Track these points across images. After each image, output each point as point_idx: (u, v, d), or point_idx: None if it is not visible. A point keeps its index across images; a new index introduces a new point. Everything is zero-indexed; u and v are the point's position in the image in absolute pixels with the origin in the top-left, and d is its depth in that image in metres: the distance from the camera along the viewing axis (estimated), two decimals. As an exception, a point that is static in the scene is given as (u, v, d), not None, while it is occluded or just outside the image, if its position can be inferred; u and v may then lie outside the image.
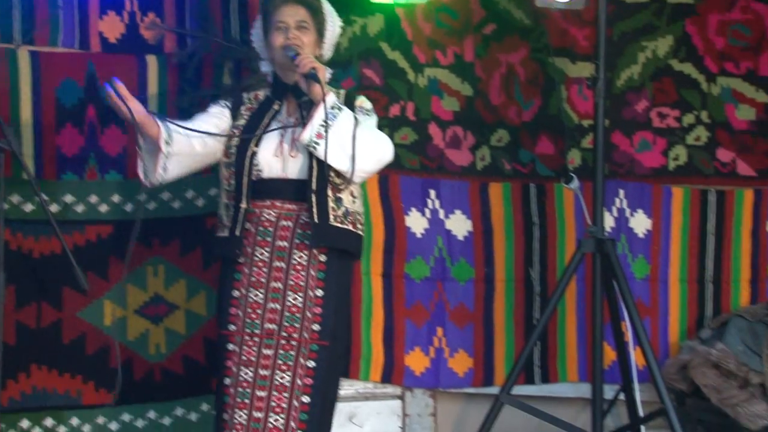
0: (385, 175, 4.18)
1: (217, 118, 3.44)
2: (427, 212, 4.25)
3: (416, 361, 4.19)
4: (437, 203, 4.26)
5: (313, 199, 3.33)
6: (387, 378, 4.17)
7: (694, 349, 4.25)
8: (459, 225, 4.27)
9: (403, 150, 4.22)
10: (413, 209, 4.23)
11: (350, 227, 3.39)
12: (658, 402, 3.90)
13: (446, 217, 4.27)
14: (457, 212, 4.28)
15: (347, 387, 4.11)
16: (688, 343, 4.34)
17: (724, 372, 4.14)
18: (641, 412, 4.14)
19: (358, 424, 4.13)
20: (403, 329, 4.19)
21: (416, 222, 4.23)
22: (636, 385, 4.13)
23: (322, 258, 3.35)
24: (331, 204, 3.34)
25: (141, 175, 3.37)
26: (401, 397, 4.19)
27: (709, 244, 4.49)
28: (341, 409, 4.06)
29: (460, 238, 4.28)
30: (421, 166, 4.25)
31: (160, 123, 3.30)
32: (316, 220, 3.32)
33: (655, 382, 3.87)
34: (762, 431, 4.07)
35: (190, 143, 3.35)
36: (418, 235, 4.23)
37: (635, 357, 4.14)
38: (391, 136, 4.15)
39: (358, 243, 3.44)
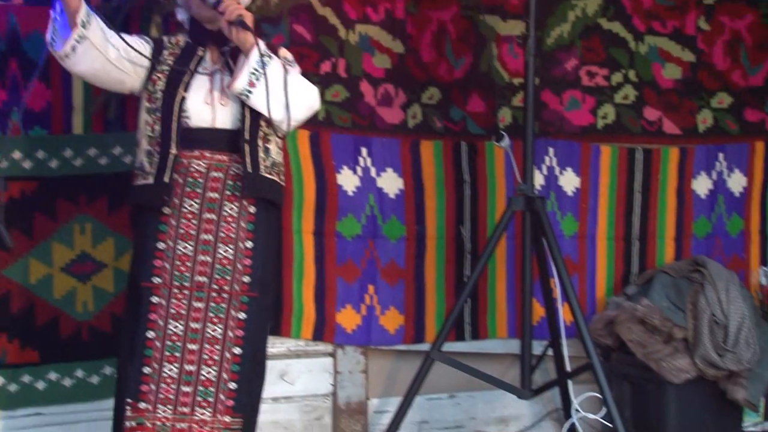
0: (316, 132, 4.06)
1: (136, 44, 3.26)
2: (359, 170, 4.12)
3: (348, 318, 4.09)
4: (369, 161, 4.14)
5: (247, 148, 3.19)
6: (318, 336, 4.07)
7: (621, 305, 4.21)
8: (390, 183, 4.17)
9: (335, 107, 4.09)
10: (345, 167, 4.11)
11: (276, 178, 3.29)
12: (585, 357, 3.88)
13: (378, 175, 4.16)
14: (389, 170, 4.17)
15: (278, 345, 4.02)
16: (615, 299, 4.30)
17: (649, 327, 4.12)
18: (568, 367, 4.13)
19: (289, 381, 4.02)
20: (334, 287, 4.08)
21: (348, 180, 4.11)
22: (564, 341, 4.11)
23: (252, 209, 3.24)
24: (261, 154, 3.23)
25: (48, 41, 3.14)
26: (333, 355, 4.09)
27: (636, 201, 4.46)
28: (273, 367, 3.99)
29: (392, 196, 4.17)
30: (352, 123, 4.12)
31: (84, 4, 3.10)
32: (249, 169, 3.20)
33: (582, 338, 3.85)
34: (684, 384, 4.04)
35: (106, 42, 3.16)
36: (350, 193, 4.11)
37: (563, 313, 4.13)
38: (323, 94, 4.06)
39: (283, 194, 3.35)
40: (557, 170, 4.38)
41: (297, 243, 4.04)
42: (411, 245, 4.19)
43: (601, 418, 4.13)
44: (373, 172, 4.16)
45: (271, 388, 3.97)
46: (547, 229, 3.90)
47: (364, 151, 4.14)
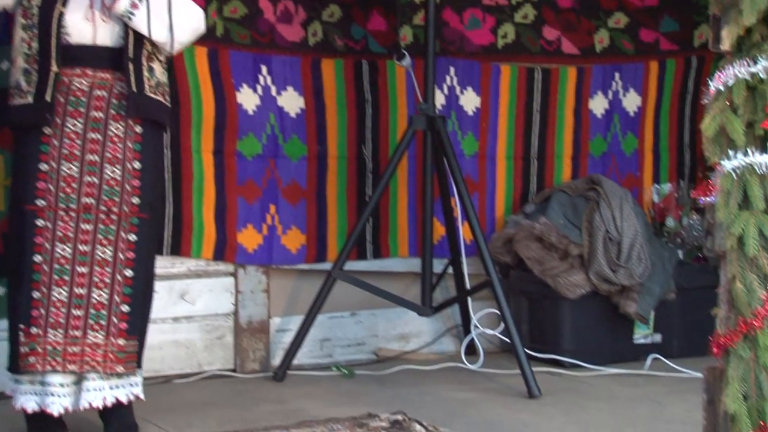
0: (214, 50, 3.85)
1: None
2: (259, 88, 3.94)
3: (249, 238, 3.94)
4: (269, 79, 3.95)
5: (131, 67, 3.02)
6: (219, 255, 3.91)
7: (519, 224, 4.16)
8: (291, 102, 4.00)
9: (233, 24, 3.88)
10: (244, 85, 3.91)
11: (161, 98, 3.12)
12: (485, 275, 3.84)
13: (278, 93, 3.97)
14: (290, 89, 3.99)
15: (178, 264, 3.87)
16: (513, 218, 4.24)
17: (546, 245, 4.08)
18: (468, 285, 4.10)
19: (189, 301, 3.88)
20: (235, 207, 3.92)
21: (248, 98, 3.92)
22: (464, 259, 4.09)
23: (138, 129, 3.07)
24: (145, 73, 3.05)
25: None
26: (234, 275, 3.95)
27: (535, 121, 4.39)
28: (172, 287, 3.84)
29: (293, 115, 3.99)
30: (251, 41, 3.92)
31: None
32: (134, 89, 3.01)
33: (482, 256, 3.80)
34: (579, 299, 4.03)
35: None
36: (250, 112, 3.92)
37: (463, 232, 4.08)
38: (221, 10, 3.84)
39: (169, 115, 3.20)
40: (458, 90, 4.25)
41: (196, 162, 3.86)
42: (312, 165, 4.05)
43: (500, 333, 4.12)
44: (273, 90, 3.98)
45: (171, 308, 3.85)
46: (448, 149, 3.82)
47: (264, 69, 3.95)
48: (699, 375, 2.29)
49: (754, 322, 2.09)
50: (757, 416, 2.09)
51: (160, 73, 3.10)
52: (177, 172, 3.83)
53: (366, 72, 4.10)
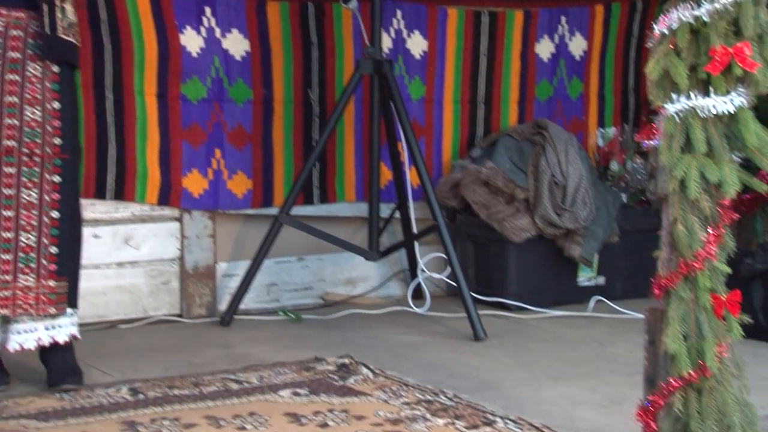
0: (156, -10, 3.73)
1: None
2: (203, 31, 3.84)
3: (194, 182, 3.87)
4: (213, 21, 3.85)
5: (45, 8, 2.91)
6: (164, 200, 3.83)
7: (466, 168, 4.13)
8: (236, 44, 3.89)
9: (176, -36, 3.77)
10: (188, 27, 3.81)
11: (73, 39, 3.00)
12: (431, 219, 3.79)
13: (223, 36, 3.87)
14: (234, 31, 3.89)
15: (122, 209, 3.78)
16: (460, 162, 4.22)
17: (493, 189, 4.05)
18: (415, 229, 4.05)
19: (134, 246, 3.81)
20: (179, 151, 3.83)
21: (191, 41, 3.81)
22: (411, 204, 4.04)
23: (55, 68, 2.97)
24: (58, 14, 2.94)
25: None
26: (179, 219, 3.88)
27: (482, 65, 4.31)
28: (116, 232, 3.78)
29: (238, 58, 3.91)
30: (194, -18, 3.81)
31: None
32: (47, 30, 2.92)
33: (429, 200, 3.74)
34: (525, 243, 4.01)
35: None
36: (194, 55, 3.83)
37: (410, 176, 4.01)
38: None
39: (79, 57, 3.09)
40: (405, 33, 4.18)
41: (139, 105, 3.76)
42: (258, 109, 3.97)
43: (446, 277, 4.12)
44: (217, 33, 3.88)
45: (115, 253, 3.78)
46: (395, 93, 3.75)
47: (207, 10, 3.84)
48: (640, 316, 2.31)
49: (694, 264, 2.11)
50: (696, 355, 2.11)
51: (71, 13, 2.98)
52: (120, 114, 3.75)
53: (312, 14, 4.01)
